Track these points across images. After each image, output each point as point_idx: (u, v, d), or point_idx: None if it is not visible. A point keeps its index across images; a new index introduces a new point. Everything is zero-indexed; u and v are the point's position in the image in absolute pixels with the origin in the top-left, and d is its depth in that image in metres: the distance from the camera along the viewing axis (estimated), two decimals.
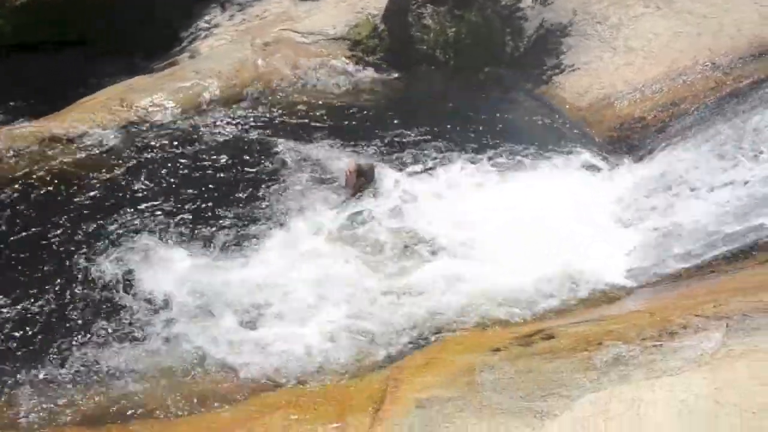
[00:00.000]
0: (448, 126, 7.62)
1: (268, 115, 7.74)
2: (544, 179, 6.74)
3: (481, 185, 6.66)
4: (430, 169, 6.90)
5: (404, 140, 7.33)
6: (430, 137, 7.37)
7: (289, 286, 5.41)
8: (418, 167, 6.91)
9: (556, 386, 3.47)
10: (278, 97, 8.07)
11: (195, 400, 4.49)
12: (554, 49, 8.61)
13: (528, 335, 4.40)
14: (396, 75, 8.79)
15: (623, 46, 8.01)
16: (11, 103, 8.82)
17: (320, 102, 8.10)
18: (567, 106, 7.85)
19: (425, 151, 7.16)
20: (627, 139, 7.26)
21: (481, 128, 7.59)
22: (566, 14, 8.96)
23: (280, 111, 7.84)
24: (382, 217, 6.11)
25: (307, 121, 7.70)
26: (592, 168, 6.97)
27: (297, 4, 10.24)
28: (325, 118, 7.80)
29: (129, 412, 4.38)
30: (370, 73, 8.74)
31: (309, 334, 4.93)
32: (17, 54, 10.06)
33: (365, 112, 7.95)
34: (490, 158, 7.02)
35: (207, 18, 10.64)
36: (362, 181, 6.11)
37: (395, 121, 7.73)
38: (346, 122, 7.73)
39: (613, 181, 6.76)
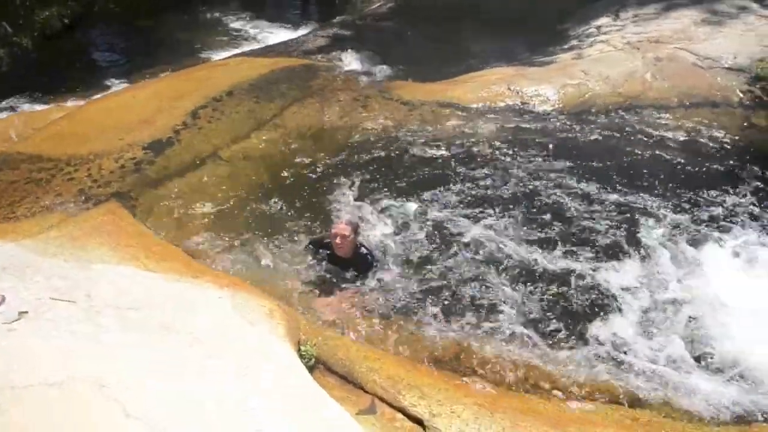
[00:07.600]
0: None
1: (648, 130, 7.57)
2: None
3: None
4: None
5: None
6: None
7: None
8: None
9: None
10: (660, 113, 7.88)
11: None
12: None
13: None
14: None
15: None
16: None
17: (702, 126, 7.74)
18: None
19: None
20: None
21: None
22: None
23: (659, 130, 7.60)
24: None
25: (679, 145, 7.35)
26: None
27: (698, 24, 9.81)
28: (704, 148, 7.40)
29: None
30: (763, 113, 8.06)
31: None
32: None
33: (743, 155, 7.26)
34: None
35: (597, 24, 10.78)
36: (358, 238, 5.22)
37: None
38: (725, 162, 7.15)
39: None
